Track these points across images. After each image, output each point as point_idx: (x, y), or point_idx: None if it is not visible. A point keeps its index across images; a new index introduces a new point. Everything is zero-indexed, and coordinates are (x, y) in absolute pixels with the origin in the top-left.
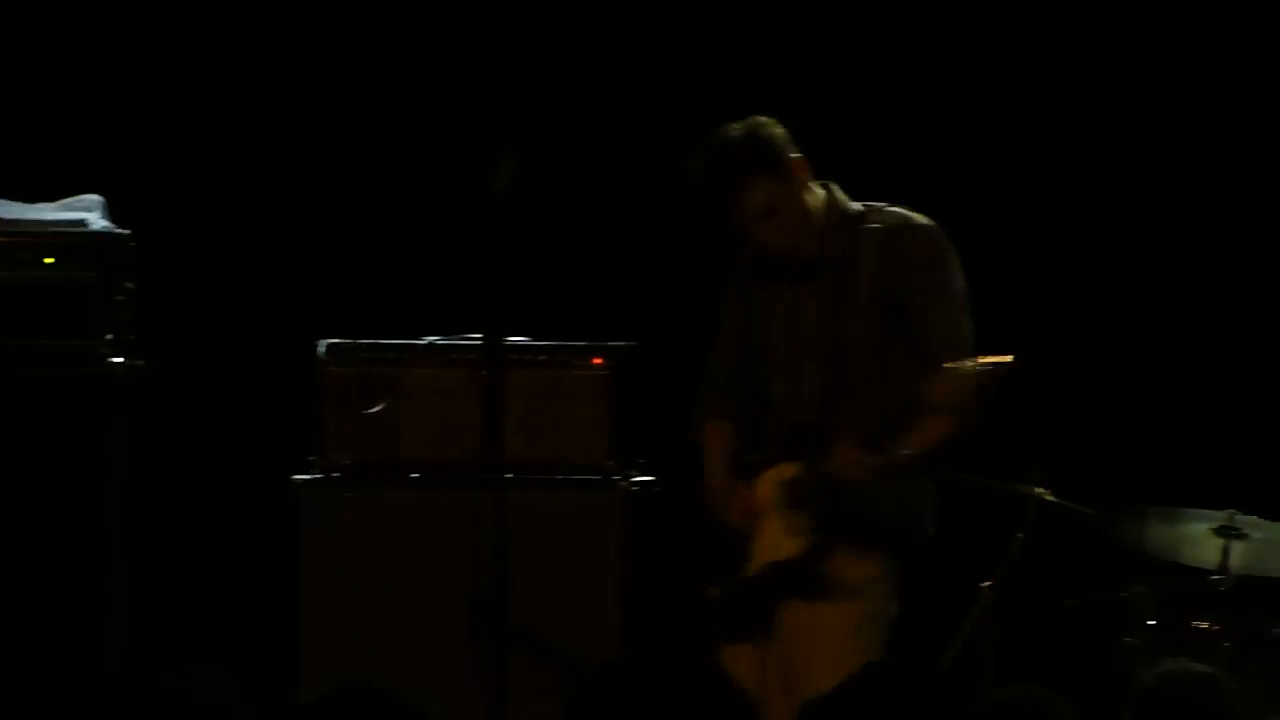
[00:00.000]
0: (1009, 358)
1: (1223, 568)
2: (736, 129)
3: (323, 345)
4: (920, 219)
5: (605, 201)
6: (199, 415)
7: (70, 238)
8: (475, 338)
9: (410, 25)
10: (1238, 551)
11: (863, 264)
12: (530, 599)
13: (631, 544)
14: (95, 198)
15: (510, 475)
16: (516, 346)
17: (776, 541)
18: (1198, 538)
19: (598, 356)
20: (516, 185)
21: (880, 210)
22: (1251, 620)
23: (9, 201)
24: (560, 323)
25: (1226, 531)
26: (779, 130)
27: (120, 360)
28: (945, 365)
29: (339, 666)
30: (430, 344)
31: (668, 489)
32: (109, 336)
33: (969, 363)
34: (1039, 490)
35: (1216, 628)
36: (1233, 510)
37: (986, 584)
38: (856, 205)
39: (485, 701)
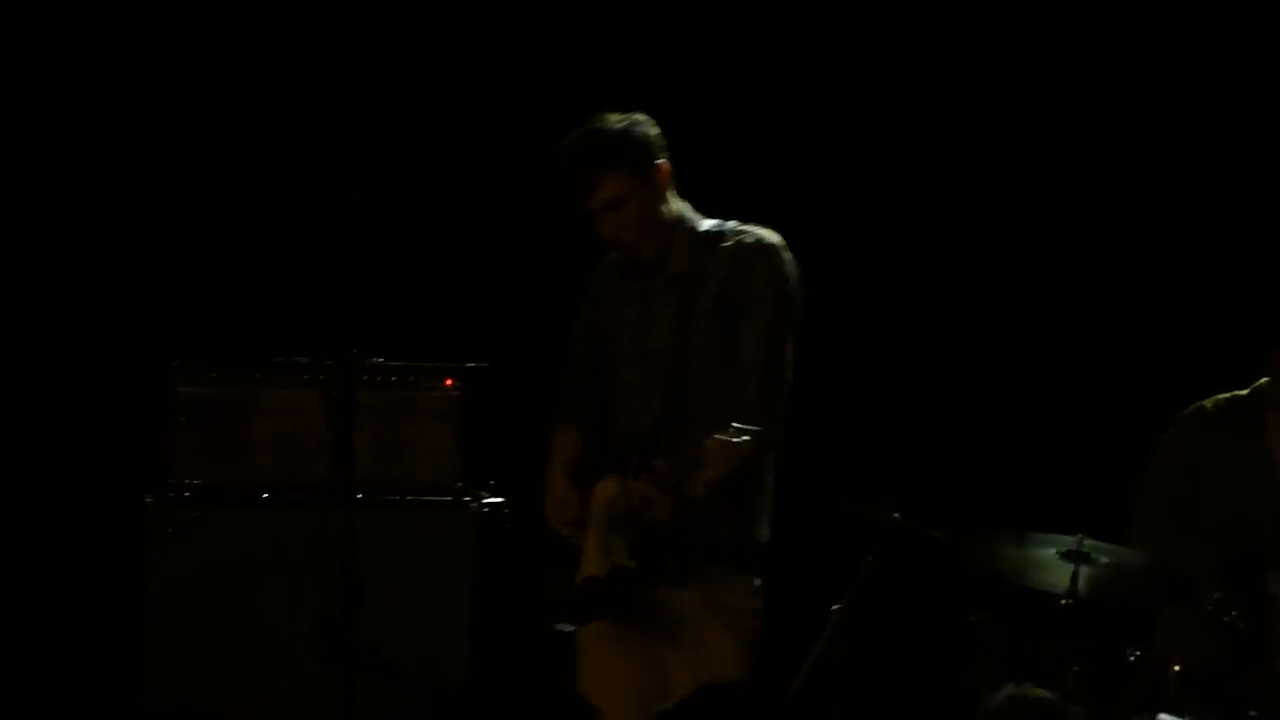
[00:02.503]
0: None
1: (1071, 592)
2: (612, 120)
3: (174, 364)
4: (771, 240)
5: (461, 223)
6: (51, 435)
7: None
8: (327, 357)
9: (264, 48)
10: (1086, 576)
11: (710, 281)
12: (379, 620)
13: (480, 564)
14: None
15: (360, 496)
16: (368, 367)
17: (591, 557)
18: (1046, 562)
19: (449, 378)
20: (371, 204)
21: (738, 229)
22: (1099, 645)
23: None
24: (413, 344)
25: (1075, 556)
26: (653, 131)
27: None
28: (716, 437)
29: (187, 687)
30: (282, 363)
31: (517, 509)
32: None
33: (741, 433)
34: (889, 513)
35: (1064, 652)
36: (1082, 534)
37: (836, 607)
38: (709, 223)
39: None
